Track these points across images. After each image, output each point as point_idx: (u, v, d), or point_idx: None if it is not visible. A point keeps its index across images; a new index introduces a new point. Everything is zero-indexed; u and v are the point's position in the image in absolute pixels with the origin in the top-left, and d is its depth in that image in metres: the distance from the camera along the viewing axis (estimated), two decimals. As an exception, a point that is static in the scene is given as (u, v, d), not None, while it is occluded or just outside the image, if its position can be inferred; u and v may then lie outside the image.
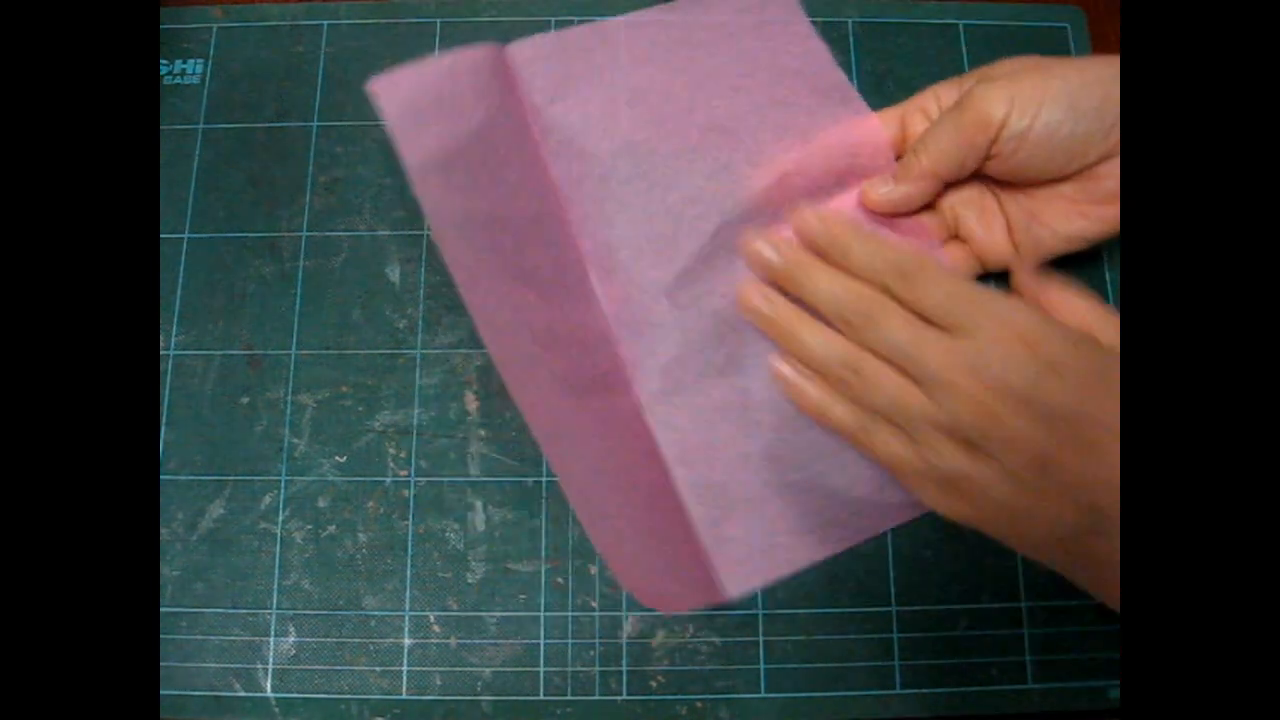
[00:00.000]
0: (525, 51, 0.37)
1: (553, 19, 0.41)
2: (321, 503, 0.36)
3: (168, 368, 0.38)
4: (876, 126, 0.37)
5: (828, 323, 0.31)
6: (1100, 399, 0.26)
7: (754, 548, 0.35)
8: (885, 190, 0.35)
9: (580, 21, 0.41)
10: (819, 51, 0.39)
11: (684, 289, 0.36)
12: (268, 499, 0.36)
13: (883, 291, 0.29)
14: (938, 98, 0.36)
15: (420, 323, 0.38)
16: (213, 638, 0.35)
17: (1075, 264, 0.36)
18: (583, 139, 0.37)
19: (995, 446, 0.26)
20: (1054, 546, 0.27)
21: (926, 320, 0.28)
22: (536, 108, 0.37)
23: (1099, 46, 0.42)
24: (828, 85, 0.38)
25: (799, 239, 0.31)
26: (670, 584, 0.33)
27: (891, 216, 0.36)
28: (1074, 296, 0.31)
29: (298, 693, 0.34)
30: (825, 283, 0.30)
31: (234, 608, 0.35)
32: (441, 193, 0.29)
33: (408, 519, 0.36)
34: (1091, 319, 0.30)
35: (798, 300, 0.32)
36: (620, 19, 0.39)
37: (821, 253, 0.30)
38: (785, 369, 0.31)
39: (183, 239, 0.39)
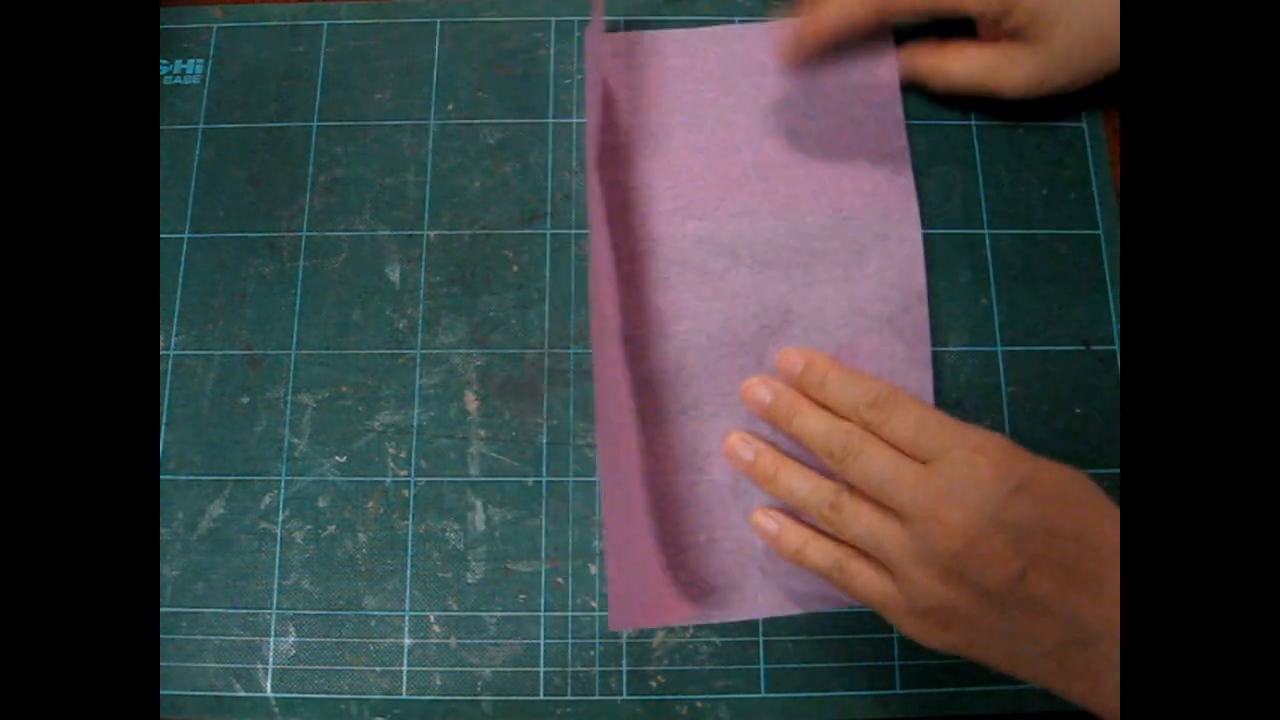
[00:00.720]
0: (599, 45, 0.38)
1: (553, 19, 0.41)
2: (321, 503, 0.36)
3: (168, 368, 0.38)
4: (910, 206, 0.37)
5: (810, 466, 0.32)
6: (1067, 513, 0.27)
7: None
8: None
9: (581, 21, 0.41)
10: (891, 107, 0.39)
11: (676, 321, 0.36)
12: (268, 499, 0.36)
13: (863, 426, 0.30)
14: None
15: (420, 323, 0.38)
16: (213, 638, 0.35)
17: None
18: (631, 150, 0.38)
19: (972, 571, 0.26)
20: (1041, 664, 0.27)
21: (901, 451, 0.29)
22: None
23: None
24: (886, 151, 0.38)
25: (783, 373, 0.33)
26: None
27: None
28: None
29: (298, 693, 0.34)
30: (811, 419, 0.31)
31: (234, 608, 0.35)
32: (595, 132, 0.35)
33: (408, 519, 0.36)
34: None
35: (787, 438, 0.33)
36: (702, 31, 0.40)
37: (803, 386, 0.32)
38: (765, 521, 0.33)
39: (183, 239, 0.39)
